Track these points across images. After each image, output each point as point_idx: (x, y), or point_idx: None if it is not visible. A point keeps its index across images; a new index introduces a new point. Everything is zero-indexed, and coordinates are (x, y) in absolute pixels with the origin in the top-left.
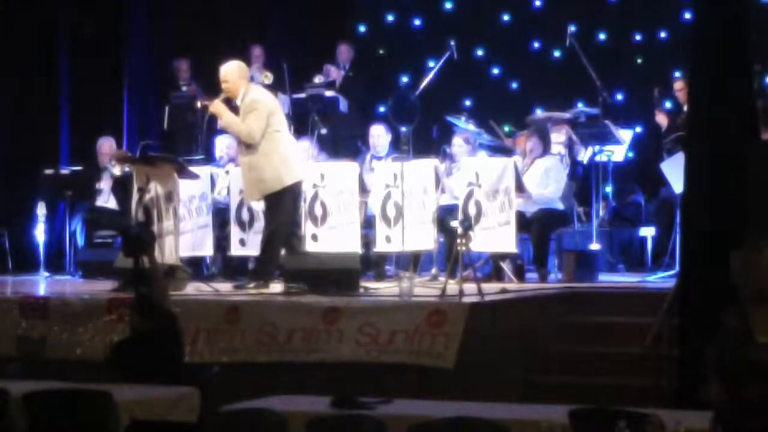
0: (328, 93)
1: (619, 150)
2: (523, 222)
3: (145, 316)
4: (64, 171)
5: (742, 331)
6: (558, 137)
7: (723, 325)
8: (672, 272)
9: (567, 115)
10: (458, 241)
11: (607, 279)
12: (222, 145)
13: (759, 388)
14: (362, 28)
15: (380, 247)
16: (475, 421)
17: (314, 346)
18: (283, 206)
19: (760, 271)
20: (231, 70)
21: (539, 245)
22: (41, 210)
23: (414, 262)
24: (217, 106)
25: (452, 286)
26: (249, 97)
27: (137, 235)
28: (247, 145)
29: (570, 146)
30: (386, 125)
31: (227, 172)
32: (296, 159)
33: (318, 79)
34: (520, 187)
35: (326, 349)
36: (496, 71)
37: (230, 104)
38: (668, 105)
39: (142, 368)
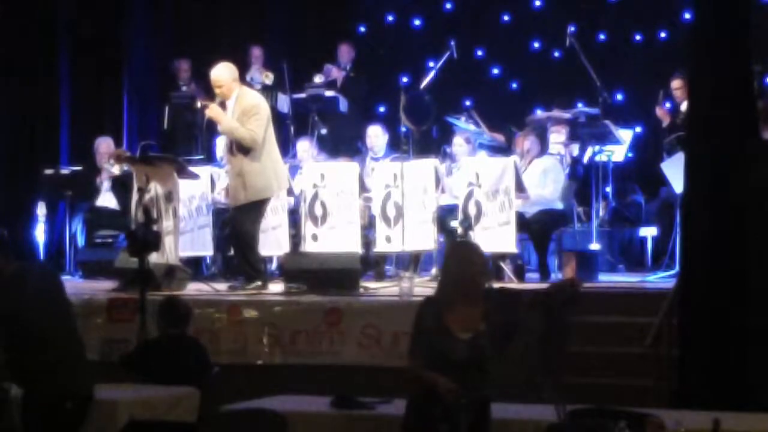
0: (328, 93)
1: (619, 150)
2: (523, 223)
3: (173, 322)
4: (64, 171)
5: None
6: (558, 137)
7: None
8: (672, 272)
9: (567, 115)
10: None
11: (607, 279)
12: (222, 145)
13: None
14: (362, 28)
15: (380, 247)
16: None
17: (317, 348)
18: (258, 213)
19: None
20: (222, 74)
21: (540, 246)
22: (41, 210)
23: (414, 262)
24: (214, 111)
25: None
26: (248, 101)
27: (143, 236)
28: (244, 150)
29: (570, 146)
30: (383, 126)
31: (227, 173)
32: (283, 167)
33: (318, 79)
34: (520, 187)
35: (329, 351)
36: (496, 71)
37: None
38: (668, 105)
39: (170, 371)
